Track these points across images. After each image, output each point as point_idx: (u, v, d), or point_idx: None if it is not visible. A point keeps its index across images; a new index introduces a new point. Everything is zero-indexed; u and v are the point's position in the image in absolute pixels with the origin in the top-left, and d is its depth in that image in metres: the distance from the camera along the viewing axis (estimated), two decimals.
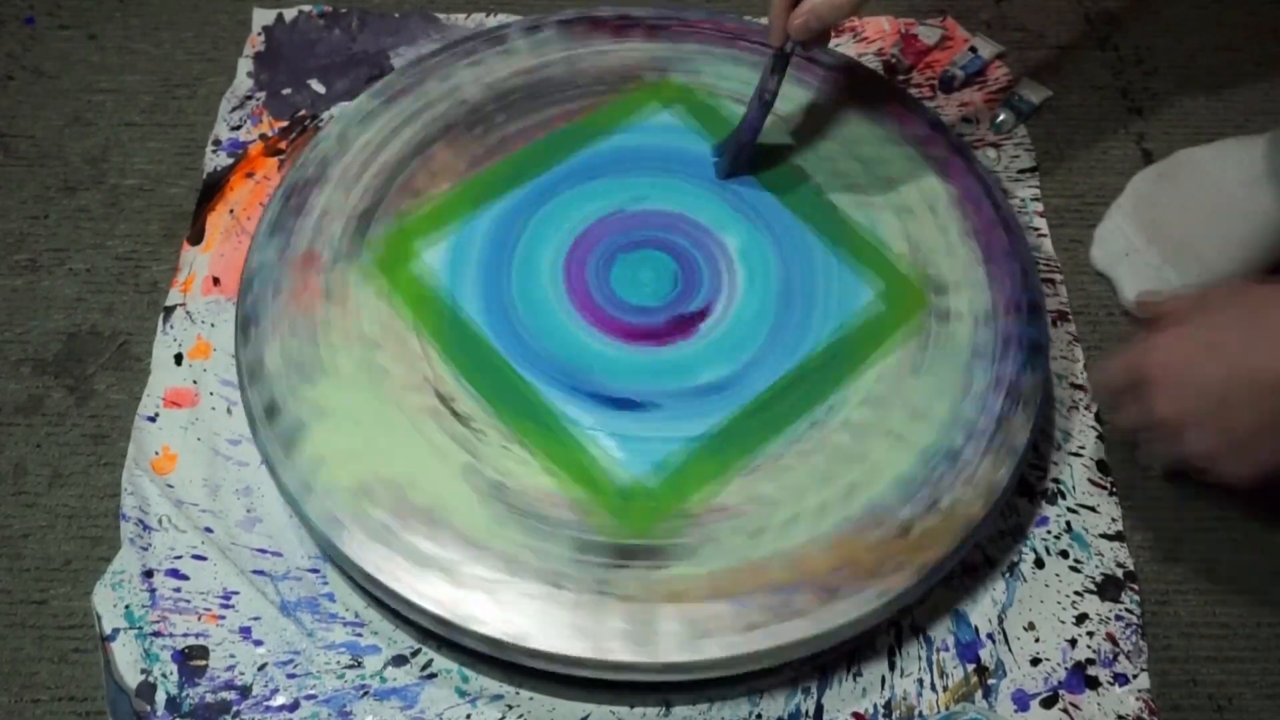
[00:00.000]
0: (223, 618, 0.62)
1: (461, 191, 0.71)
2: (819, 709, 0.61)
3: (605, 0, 0.86)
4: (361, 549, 0.59)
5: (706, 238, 0.71)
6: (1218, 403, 0.54)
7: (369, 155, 0.72)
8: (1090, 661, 0.62)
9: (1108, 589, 0.64)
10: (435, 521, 0.59)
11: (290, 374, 0.64)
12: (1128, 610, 0.64)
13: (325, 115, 0.82)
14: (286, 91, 0.84)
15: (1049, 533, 0.66)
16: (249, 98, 0.83)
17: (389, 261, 0.68)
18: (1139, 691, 0.61)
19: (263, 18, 0.88)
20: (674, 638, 0.56)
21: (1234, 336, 0.54)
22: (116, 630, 0.61)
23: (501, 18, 0.87)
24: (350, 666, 0.61)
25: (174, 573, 0.63)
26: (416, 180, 0.71)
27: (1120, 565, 0.65)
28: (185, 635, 0.61)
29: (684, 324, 0.68)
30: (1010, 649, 0.63)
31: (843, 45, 0.87)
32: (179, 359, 0.71)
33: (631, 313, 0.68)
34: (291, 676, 0.61)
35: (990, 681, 0.62)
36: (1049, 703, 0.61)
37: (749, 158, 0.72)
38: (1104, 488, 0.68)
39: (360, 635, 0.62)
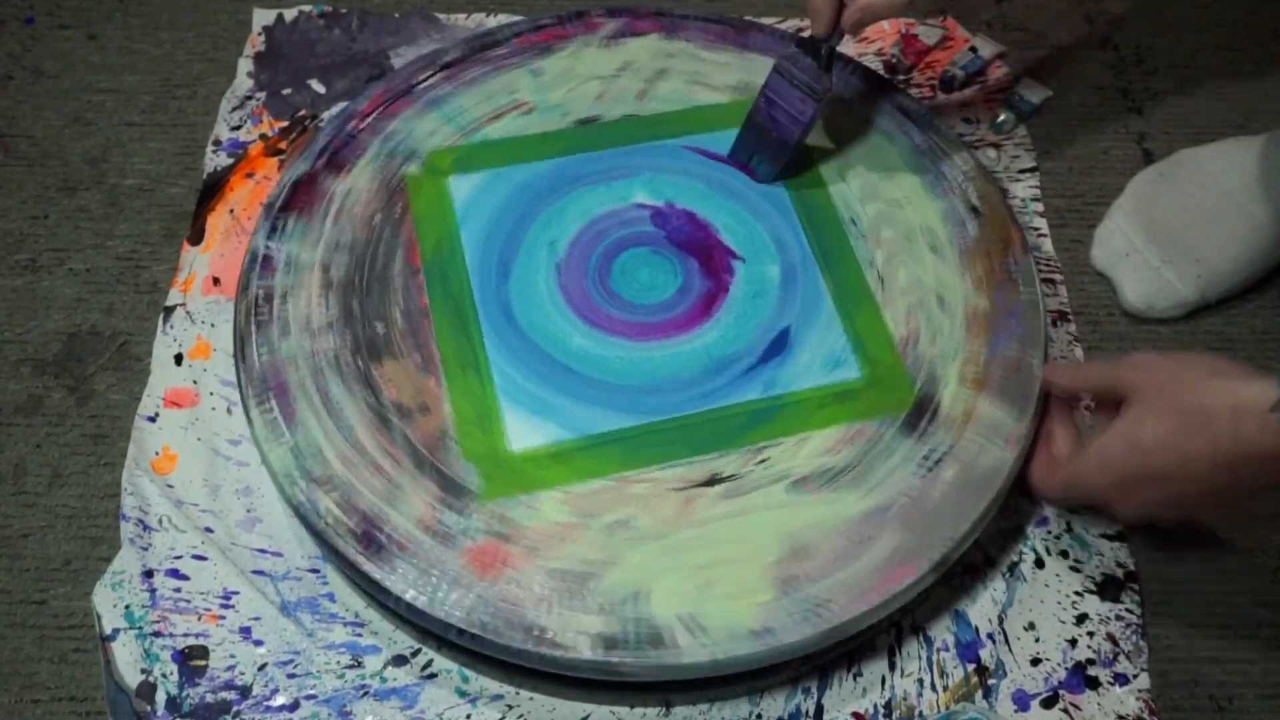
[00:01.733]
0: (223, 618, 0.62)
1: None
2: (819, 709, 0.61)
3: (602, 0, 0.87)
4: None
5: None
6: (1178, 504, 0.56)
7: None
8: (1090, 661, 0.62)
9: (1108, 589, 0.64)
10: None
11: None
12: (1128, 610, 0.64)
13: (324, 115, 0.82)
14: (286, 91, 0.84)
15: (1049, 532, 0.66)
16: (249, 98, 0.83)
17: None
18: (1139, 691, 0.61)
19: (263, 18, 0.88)
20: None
21: (1169, 452, 0.54)
22: (116, 630, 0.61)
23: (501, 18, 0.87)
24: (350, 666, 0.61)
25: (174, 573, 0.63)
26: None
27: (1120, 565, 0.65)
28: (185, 635, 0.61)
29: (722, 282, 0.68)
30: (1010, 649, 0.63)
31: (843, 45, 0.86)
32: (179, 359, 0.71)
33: (662, 309, 0.67)
34: (291, 676, 0.61)
35: (990, 681, 0.62)
36: (1049, 703, 0.61)
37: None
38: None
39: (360, 635, 0.62)
